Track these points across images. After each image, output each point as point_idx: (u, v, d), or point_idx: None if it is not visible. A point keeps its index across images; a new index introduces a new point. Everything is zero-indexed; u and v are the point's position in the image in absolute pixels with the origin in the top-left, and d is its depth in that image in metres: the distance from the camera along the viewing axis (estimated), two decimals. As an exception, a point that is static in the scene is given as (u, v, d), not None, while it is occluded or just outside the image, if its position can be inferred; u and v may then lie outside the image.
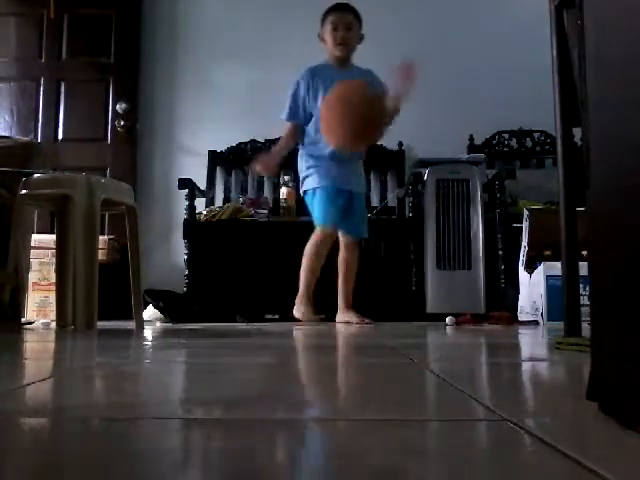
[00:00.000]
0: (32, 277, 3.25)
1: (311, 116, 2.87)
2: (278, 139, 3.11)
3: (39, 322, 3.00)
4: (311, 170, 2.88)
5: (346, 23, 2.93)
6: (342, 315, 2.89)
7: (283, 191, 3.74)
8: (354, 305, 2.98)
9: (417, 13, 4.18)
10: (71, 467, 0.43)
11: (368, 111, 2.62)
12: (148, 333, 2.25)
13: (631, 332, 0.51)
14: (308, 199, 2.91)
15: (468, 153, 3.88)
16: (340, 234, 2.90)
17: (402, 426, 0.56)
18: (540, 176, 3.90)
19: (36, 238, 3.25)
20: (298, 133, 2.92)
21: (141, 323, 2.50)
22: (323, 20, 2.96)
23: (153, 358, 1.37)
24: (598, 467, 0.39)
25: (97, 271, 2.26)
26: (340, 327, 2.59)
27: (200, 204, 3.76)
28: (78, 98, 4.17)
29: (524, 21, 3.85)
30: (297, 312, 2.90)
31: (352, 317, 2.85)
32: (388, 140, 4.06)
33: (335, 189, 2.84)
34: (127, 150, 4.12)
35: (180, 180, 3.61)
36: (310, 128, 2.87)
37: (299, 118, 2.90)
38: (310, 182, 2.88)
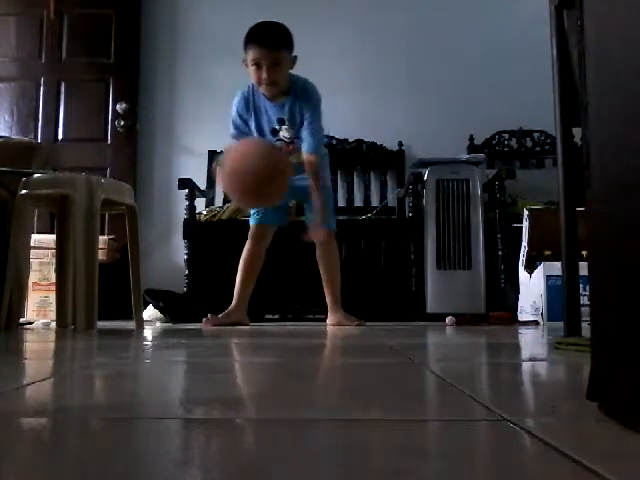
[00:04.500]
0: (32, 277, 3.25)
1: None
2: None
3: (39, 322, 3.00)
4: None
5: (270, 61, 2.56)
6: (332, 317, 2.81)
7: (283, 191, 3.74)
8: (354, 305, 2.96)
9: (417, 13, 4.18)
10: (71, 467, 0.43)
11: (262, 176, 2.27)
12: (148, 333, 2.25)
13: (631, 332, 0.51)
14: None
15: (468, 153, 3.88)
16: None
17: (402, 426, 0.56)
18: (540, 176, 3.90)
19: (36, 238, 3.25)
20: None
21: (141, 323, 2.50)
22: (245, 45, 2.61)
23: (153, 358, 1.37)
24: (598, 467, 0.39)
25: (97, 271, 2.26)
26: (336, 329, 2.57)
27: (200, 204, 3.76)
28: (78, 98, 4.17)
29: (524, 21, 3.85)
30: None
31: (342, 319, 2.76)
32: (388, 140, 4.07)
33: None
34: (127, 150, 4.12)
35: (180, 180, 3.61)
36: None
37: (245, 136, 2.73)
38: None
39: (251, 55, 2.59)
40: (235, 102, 2.75)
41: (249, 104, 2.72)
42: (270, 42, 2.58)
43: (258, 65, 2.58)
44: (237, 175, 2.29)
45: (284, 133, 2.73)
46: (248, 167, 2.28)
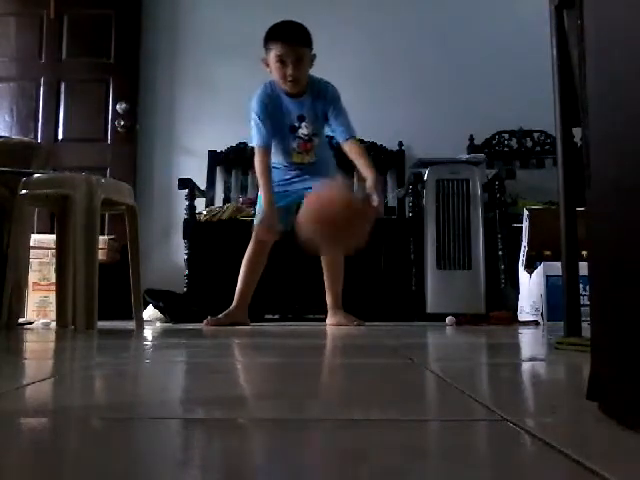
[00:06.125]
0: (32, 277, 3.25)
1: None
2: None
3: (39, 322, 3.00)
4: None
5: (295, 57, 2.60)
6: (332, 317, 2.82)
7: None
8: (354, 305, 2.96)
9: (417, 13, 4.18)
10: (71, 467, 0.43)
11: (346, 223, 2.20)
12: (148, 333, 2.25)
13: (631, 332, 0.51)
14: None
15: (468, 153, 3.88)
16: None
17: (402, 426, 0.56)
18: (540, 176, 3.90)
19: (36, 238, 3.25)
20: (268, 156, 2.75)
21: (141, 323, 2.50)
22: (266, 43, 2.64)
23: (153, 358, 1.37)
24: (598, 467, 0.39)
25: (97, 271, 2.26)
26: (336, 329, 2.58)
27: (200, 204, 3.76)
28: (78, 98, 4.17)
29: (524, 21, 3.85)
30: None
31: (342, 319, 2.77)
32: (388, 140, 4.07)
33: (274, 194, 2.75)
34: (127, 150, 4.12)
35: (180, 180, 3.61)
36: None
37: (269, 141, 2.73)
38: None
39: (275, 52, 2.61)
40: (256, 97, 2.74)
41: (271, 97, 2.73)
42: (295, 39, 2.63)
43: (283, 62, 2.61)
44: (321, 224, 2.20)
45: (303, 130, 2.75)
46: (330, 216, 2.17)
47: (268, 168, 2.74)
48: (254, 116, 2.73)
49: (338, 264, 2.84)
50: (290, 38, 2.62)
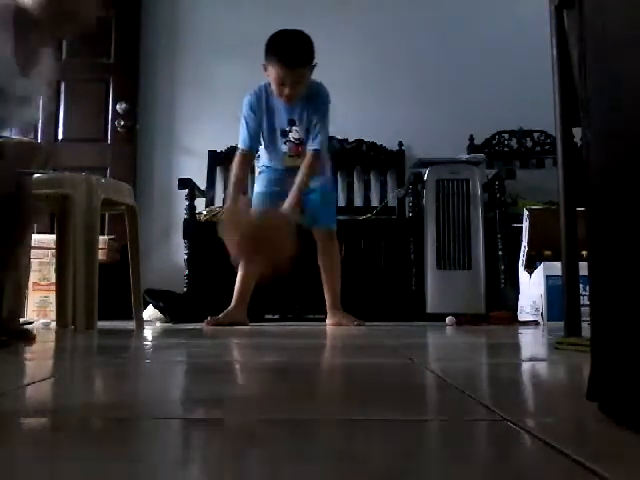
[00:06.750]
0: (32, 277, 3.25)
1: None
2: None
3: (39, 322, 3.00)
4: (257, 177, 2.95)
5: (294, 79, 2.57)
6: (332, 317, 2.81)
7: (283, 191, 3.73)
8: (354, 305, 2.96)
9: (417, 13, 4.17)
10: (71, 467, 0.43)
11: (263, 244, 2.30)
12: (148, 333, 2.25)
13: (631, 332, 0.51)
14: None
15: (468, 153, 3.88)
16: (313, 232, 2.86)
17: (402, 426, 0.56)
18: (540, 176, 3.90)
19: (36, 238, 3.24)
20: (249, 162, 2.81)
21: (141, 323, 2.50)
22: (267, 54, 2.58)
23: (153, 358, 1.37)
24: (598, 467, 0.39)
25: (97, 271, 2.26)
26: (336, 329, 2.58)
27: (200, 204, 3.76)
28: (78, 98, 4.17)
29: (524, 21, 3.85)
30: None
31: (342, 319, 2.77)
32: (388, 140, 4.07)
33: (262, 194, 2.81)
34: (127, 150, 4.12)
35: (180, 180, 3.61)
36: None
37: (251, 146, 2.75)
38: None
39: (274, 70, 2.58)
40: (246, 102, 2.74)
41: (262, 103, 2.72)
42: (295, 62, 2.57)
43: (282, 83, 2.59)
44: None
45: (294, 134, 2.75)
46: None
47: (244, 174, 2.78)
48: (241, 119, 2.74)
49: (333, 263, 2.84)
50: (290, 61, 2.56)
